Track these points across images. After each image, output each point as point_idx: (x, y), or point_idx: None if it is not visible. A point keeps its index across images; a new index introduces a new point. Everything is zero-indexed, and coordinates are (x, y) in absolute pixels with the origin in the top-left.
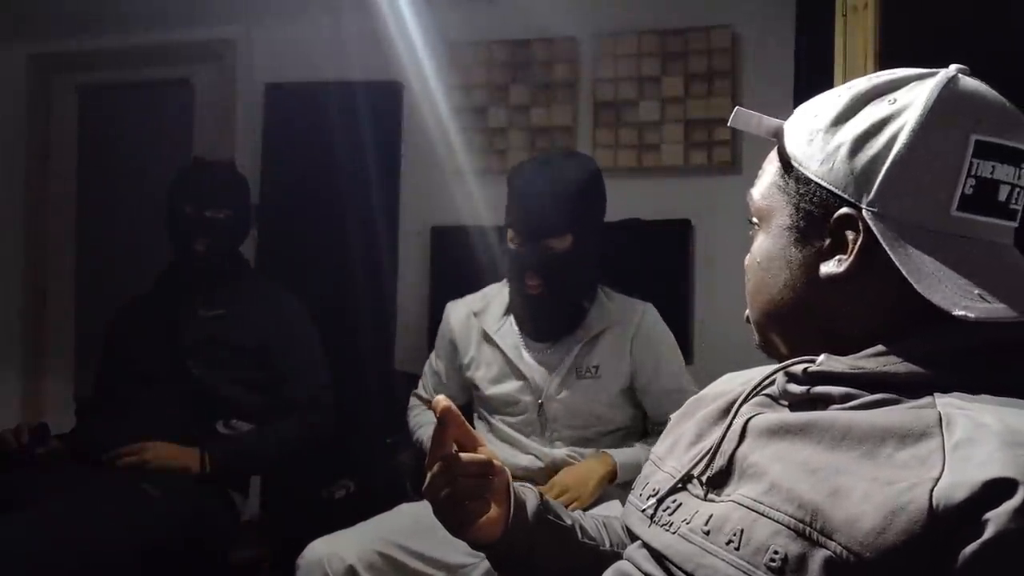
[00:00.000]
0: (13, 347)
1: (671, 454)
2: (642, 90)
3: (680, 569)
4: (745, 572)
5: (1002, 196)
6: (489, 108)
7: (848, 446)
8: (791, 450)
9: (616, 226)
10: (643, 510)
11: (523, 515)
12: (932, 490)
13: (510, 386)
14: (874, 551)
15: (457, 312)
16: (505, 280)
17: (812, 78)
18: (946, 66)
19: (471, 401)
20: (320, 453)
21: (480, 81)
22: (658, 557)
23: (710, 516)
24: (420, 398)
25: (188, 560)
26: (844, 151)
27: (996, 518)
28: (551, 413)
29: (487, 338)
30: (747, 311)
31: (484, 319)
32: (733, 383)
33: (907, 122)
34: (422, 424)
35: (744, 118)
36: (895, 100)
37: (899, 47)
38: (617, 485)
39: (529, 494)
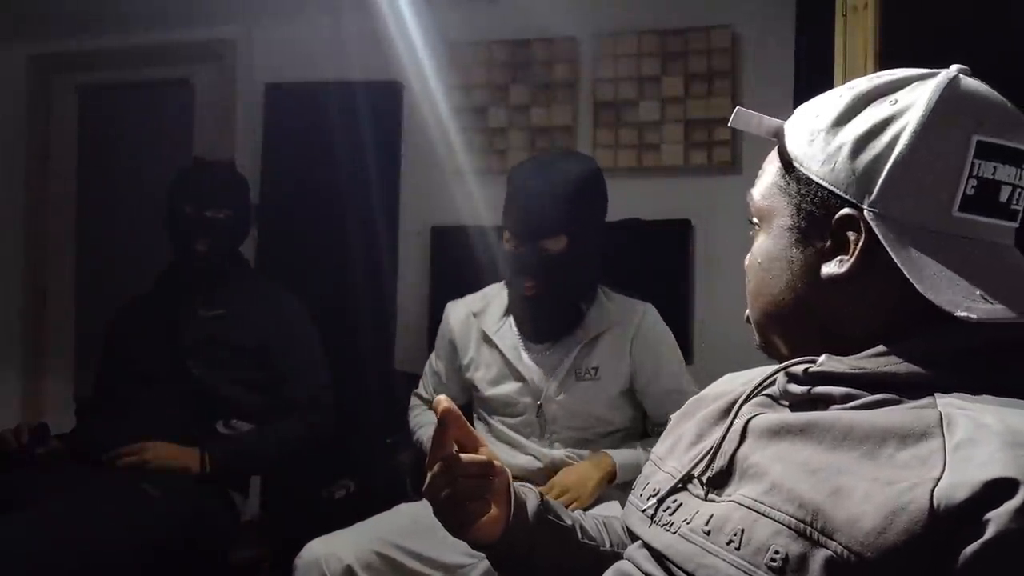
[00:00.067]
0: (13, 347)
1: (671, 454)
2: (642, 90)
3: (681, 569)
4: (746, 572)
5: (1003, 197)
6: (489, 108)
7: (849, 446)
8: (792, 450)
9: (616, 226)
10: (643, 510)
11: (523, 515)
12: (933, 490)
13: (509, 387)
14: (875, 551)
15: (457, 312)
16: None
17: (812, 78)
18: (946, 66)
19: (471, 401)
20: (320, 453)
21: (480, 81)
22: (659, 557)
23: (711, 516)
24: (421, 398)
25: (188, 560)
26: (846, 151)
27: (997, 518)
28: (550, 414)
29: (486, 339)
30: (747, 311)
31: (483, 320)
32: (734, 383)
33: (909, 123)
34: (422, 424)
35: (744, 118)
36: (896, 101)
37: (899, 47)
38: (616, 486)
39: (530, 494)
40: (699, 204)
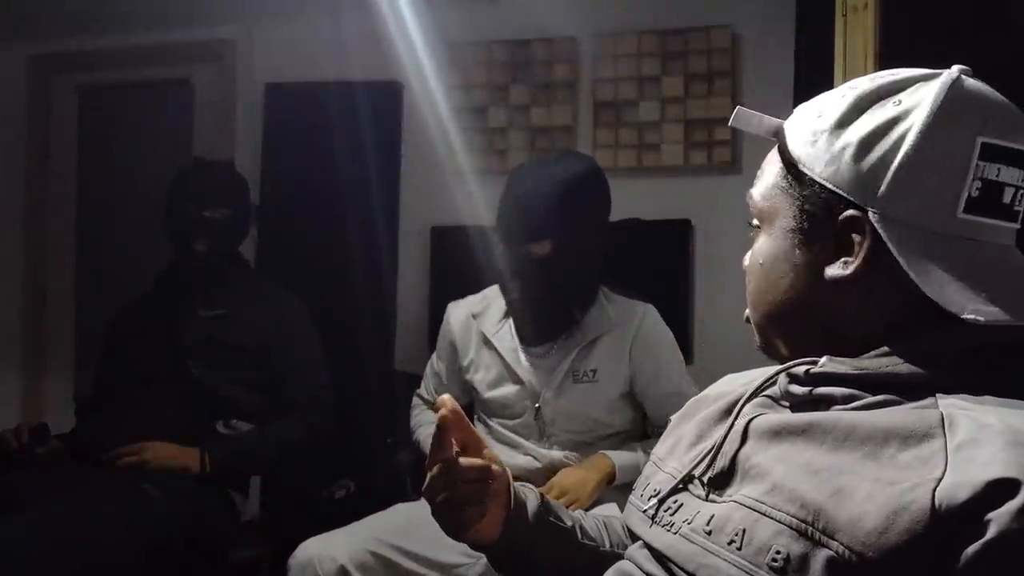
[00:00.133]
0: (13, 347)
1: (672, 455)
2: (642, 90)
3: (682, 569)
4: (747, 572)
5: (1006, 198)
6: (489, 108)
7: (851, 447)
8: (793, 451)
9: (616, 226)
10: (644, 510)
11: (523, 515)
12: (934, 490)
13: (507, 390)
14: (876, 551)
15: (458, 314)
16: None
17: (812, 78)
18: (947, 66)
19: (472, 402)
20: (320, 453)
21: (480, 81)
22: (660, 557)
23: (711, 516)
24: (422, 399)
25: (188, 560)
26: (850, 153)
27: (998, 518)
28: (548, 417)
29: (486, 341)
30: (746, 312)
31: (483, 321)
32: (734, 384)
33: (914, 124)
34: (421, 424)
35: (745, 118)
36: (900, 101)
37: (899, 47)
38: (615, 488)
39: (530, 495)
40: (699, 204)
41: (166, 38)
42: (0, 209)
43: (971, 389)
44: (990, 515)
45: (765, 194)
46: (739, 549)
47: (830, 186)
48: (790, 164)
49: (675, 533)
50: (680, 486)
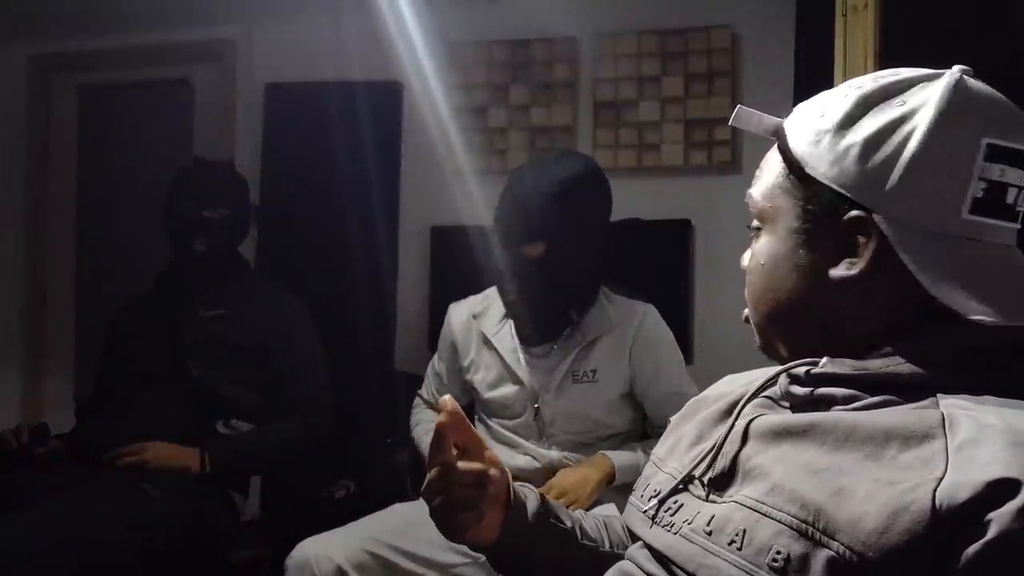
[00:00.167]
0: (13, 347)
1: (672, 455)
2: (642, 90)
3: (682, 569)
4: (747, 572)
5: (1009, 199)
6: (489, 108)
7: (851, 447)
8: (794, 452)
9: (616, 226)
10: (644, 511)
11: (523, 516)
12: (935, 490)
13: (507, 390)
14: (877, 551)
15: (458, 314)
16: None
17: (812, 78)
18: (947, 66)
19: (473, 403)
20: (320, 453)
21: (480, 81)
22: (660, 558)
23: (712, 516)
24: (423, 399)
25: (188, 560)
26: (855, 153)
27: (999, 518)
28: (548, 417)
29: (486, 341)
30: (745, 311)
31: (483, 322)
32: (734, 385)
33: (919, 124)
34: (420, 422)
35: (745, 117)
36: (904, 102)
37: (899, 47)
38: (614, 489)
39: (530, 496)
40: (699, 204)
41: (166, 38)
42: (0, 209)
43: (972, 389)
44: (991, 515)
45: (766, 194)
46: (739, 549)
47: (834, 187)
48: (792, 164)
49: (675, 533)
50: (680, 487)
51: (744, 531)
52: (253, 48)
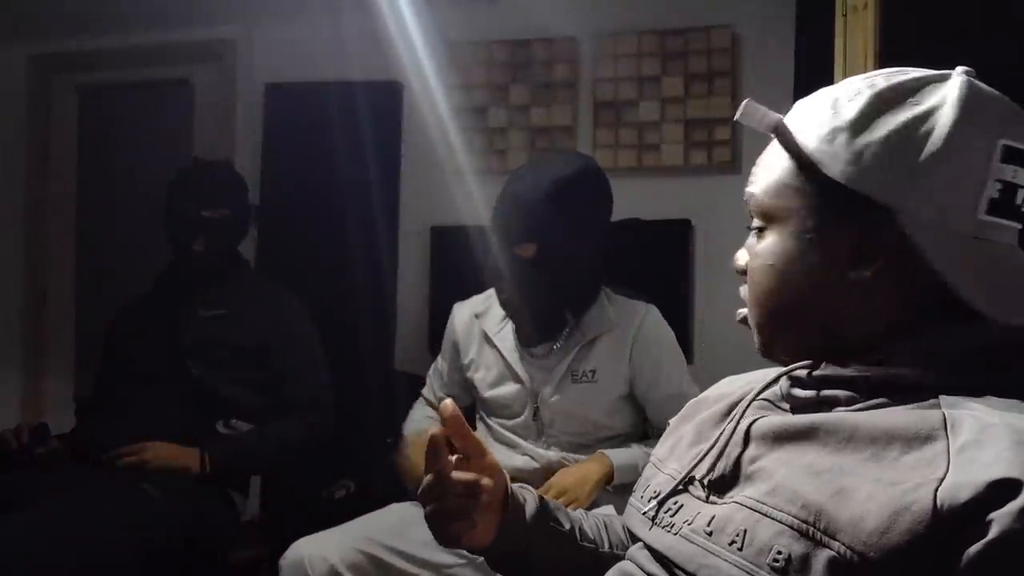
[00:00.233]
0: (13, 347)
1: (672, 456)
2: (642, 90)
3: (682, 570)
4: (748, 572)
5: (1018, 200)
6: (489, 108)
7: (854, 448)
8: (796, 453)
9: (616, 226)
10: (644, 512)
11: (520, 518)
12: (936, 490)
13: (507, 389)
14: (878, 551)
15: (461, 313)
16: None
17: (812, 78)
18: (947, 66)
19: (474, 402)
20: (320, 453)
21: (480, 81)
22: (661, 558)
23: (712, 517)
24: (425, 399)
25: (188, 560)
26: (874, 152)
27: (1000, 518)
28: (547, 417)
29: (487, 340)
30: (741, 312)
31: (485, 321)
32: (733, 386)
33: (940, 124)
34: (413, 419)
35: (751, 112)
36: (918, 102)
37: (899, 47)
38: (613, 491)
39: (529, 498)
40: (699, 204)
41: (166, 38)
42: (0, 209)
43: (974, 389)
44: (992, 515)
45: (772, 192)
46: (740, 550)
47: (852, 186)
48: (803, 162)
49: (675, 534)
50: (680, 487)
51: (745, 531)
52: (253, 48)
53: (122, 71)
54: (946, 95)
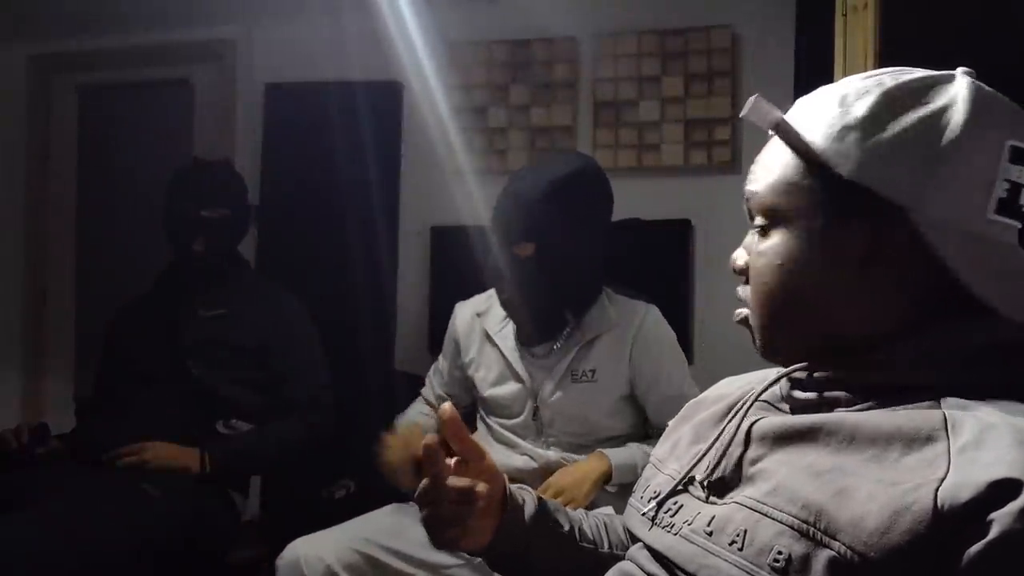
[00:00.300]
0: (13, 347)
1: (671, 457)
2: (642, 90)
3: (682, 570)
4: (748, 572)
5: (1022, 200)
6: (489, 108)
7: (855, 449)
8: (797, 454)
9: (616, 226)
10: (644, 513)
11: (519, 519)
12: (937, 490)
13: (508, 388)
14: (878, 551)
15: (463, 312)
16: None
17: (812, 78)
18: (948, 66)
19: (474, 402)
20: (320, 453)
21: (480, 81)
22: (661, 558)
23: (712, 517)
24: (424, 399)
25: (188, 560)
26: (886, 151)
27: (1001, 518)
28: (547, 417)
29: (488, 339)
30: (741, 313)
31: (486, 320)
32: (732, 386)
33: (952, 124)
34: (407, 415)
35: (759, 108)
36: (928, 101)
37: (899, 47)
38: (611, 493)
39: (528, 499)
40: (699, 204)
41: (166, 38)
42: (0, 209)
43: (975, 389)
44: (992, 515)
45: (777, 190)
46: (740, 550)
47: (864, 184)
48: (810, 160)
49: (675, 534)
50: (680, 488)
51: (745, 531)
52: (253, 48)
53: (122, 71)
54: (956, 95)
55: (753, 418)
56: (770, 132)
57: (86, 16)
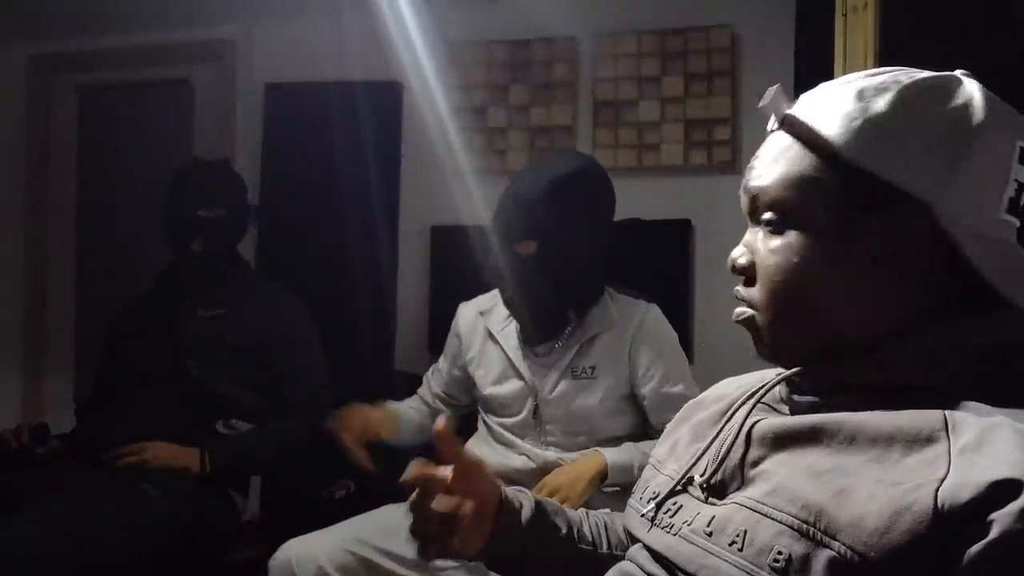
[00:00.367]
0: (13, 347)
1: (671, 457)
2: (642, 90)
3: (682, 571)
4: (748, 573)
5: (1022, 200)
6: (489, 108)
7: (856, 450)
8: (798, 455)
9: (616, 226)
10: (643, 514)
11: (516, 523)
12: (937, 490)
13: (509, 386)
14: (878, 551)
15: (467, 311)
16: None
17: (812, 78)
18: (948, 66)
19: (474, 401)
20: (320, 453)
21: (480, 81)
22: (661, 559)
23: (712, 517)
24: (421, 398)
25: (188, 560)
26: (911, 147)
27: (1001, 519)
28: (547, 415)
29: (491, 337)
30: (743, 312)
31: (489, 319)
32: (731, 387)
33: (972, 124)
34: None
35: (777, 100)
36: (946, 100)
37: (899, 47)
38: (608, 495)
39: (525, 503)
40: (699, 204)
41: (166, 38)
42: (0, 209)
43: (976, 390)
44: (993, 515)
45: (789, 185)
46: (740, 550)
47: (887, 179)
48: (827, 154)
49: (675, 535)
50: (679, 488)
51: (745, 532)
52: (253, 48)
53: (122, 71)
54: (970, 95)
55: (754, 419)
56: (773, 127)
57: (86, 16)
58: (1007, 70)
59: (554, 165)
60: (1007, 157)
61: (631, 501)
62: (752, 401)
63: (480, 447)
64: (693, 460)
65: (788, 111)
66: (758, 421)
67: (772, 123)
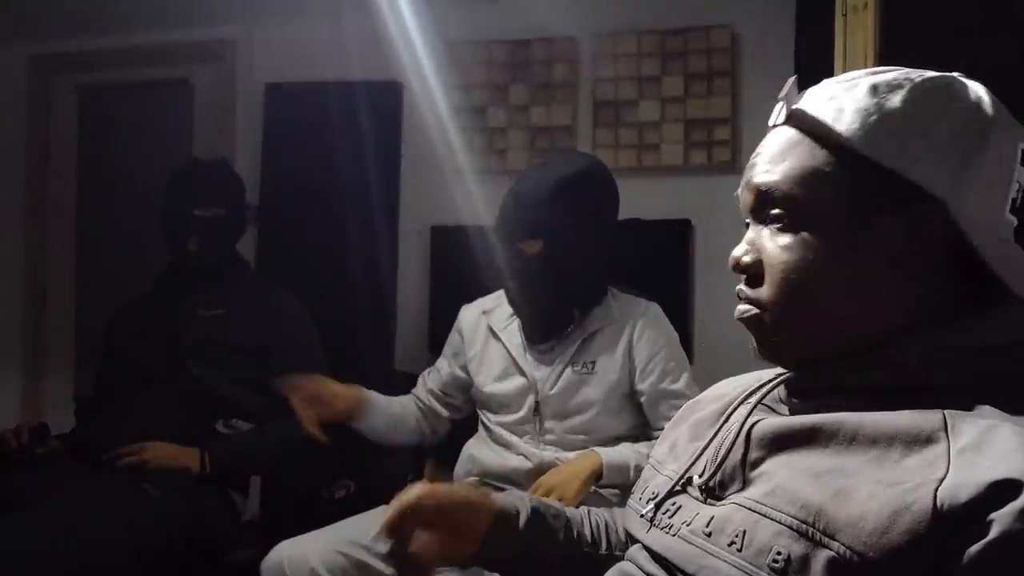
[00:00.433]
0: (13, 347)
1: (670, 457)
2: (642, 90)
3: (681, 571)
4: (747, 573)
5: (1020, 200)
6: (489, 108)
7: (855, 450)
8: (797, 455)
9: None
10: (642, 514)
11: (513, 527)
12: (936, 490)
13: (510, 383)
14: (878, 551)
15: (469, 311)
16: None
17: (812, 78)
18: (948, 66)
19: (469, 402)
20: (320, 453)
21: (480, 81)
22: (660, 559)
23: (711, 518)
24: (415, 397)
25: (188, 560)
26: (930, 143)
27: (1001, 519)
28: (546, 412)
29: (493, 335)
30: (751, 311)
31: (492, 317)
32: (730, 387)
33: (984, 123)
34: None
35: (791, 95)
36: (957, 99)
37: (899, 47)
38: (605, 497)
39: (521, 507)
40: (699, 204)
41: (166, 38)
42: (0, 209)
43: (976, 390)
44: (992, 515)
45: (800, 180)
46: (739, 550)
47: (905, 176)
48: (839, 149)
49: (674, 535)
50: (678, 488)
51: (744, 532)
52: (253, 48)
53: (122, 71)
54: (978, 95)
55: (753, 420)
56: (776, 122)
57: (86, 16)
58: (1007, 70)
59: (560, 165)
60: (1011, 158)
61: (630, 501)
62: (752, 401)
63: (479, 448)
64: (692, 460)
65: (796, 106)
66: (758, 421)
67: (775, 118)
